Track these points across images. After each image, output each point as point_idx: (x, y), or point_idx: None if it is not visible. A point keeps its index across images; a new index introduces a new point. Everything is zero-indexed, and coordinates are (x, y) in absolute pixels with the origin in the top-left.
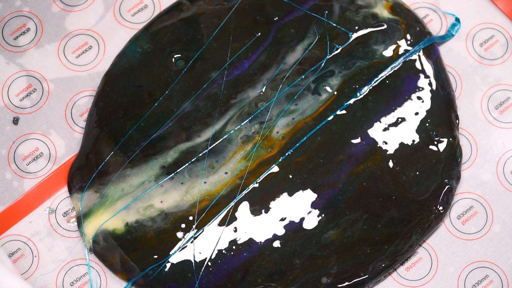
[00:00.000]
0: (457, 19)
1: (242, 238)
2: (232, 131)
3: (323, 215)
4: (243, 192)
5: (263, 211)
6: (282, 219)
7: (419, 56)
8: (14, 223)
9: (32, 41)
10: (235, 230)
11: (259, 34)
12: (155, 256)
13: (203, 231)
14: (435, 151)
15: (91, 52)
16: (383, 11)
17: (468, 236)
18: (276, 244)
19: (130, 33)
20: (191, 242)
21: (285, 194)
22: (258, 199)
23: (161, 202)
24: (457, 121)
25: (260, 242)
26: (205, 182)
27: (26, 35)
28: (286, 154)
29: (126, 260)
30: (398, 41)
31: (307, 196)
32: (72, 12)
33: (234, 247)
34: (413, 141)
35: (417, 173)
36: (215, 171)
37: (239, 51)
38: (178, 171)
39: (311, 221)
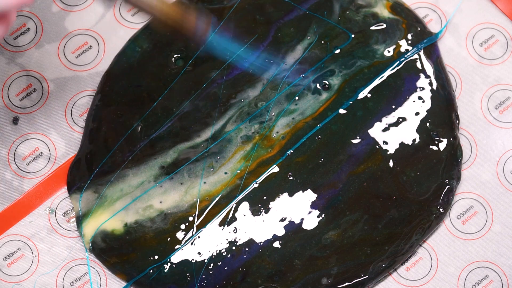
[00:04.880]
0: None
1: (242, 239)
2: (231, 131)
3: (323, 216)
4: (244, 192)
5: (263, 211)
6: (282, 220)
7: (419, 55)
8: (14, 223)
9: (32, 41)
10: (235, 231)
11: (257, 35)
12: (155, 257)
13: (202, 231)
14: (435, 151)
15: (91, 52)
16: (383, 11)
17: (468, 236)
18: (276, 244)
19: (130, 33)
20: (191, 243)
21: (285, 194)
22: (258, 199)
23: (161, 202)
24: (458, 121)
25: (260, 242)
26: (204, 182)
27: (26, 35)
28: (286, 154)
29: (126, 260)
30: (398, 41)
31: (307, 196)
32: (72, 12)
33: (234, 248)
34: (414, 141)
35: (418, 173)
36: (214, 171)
37: (239, 51)
38: (177, 171)
39: (311, 221)
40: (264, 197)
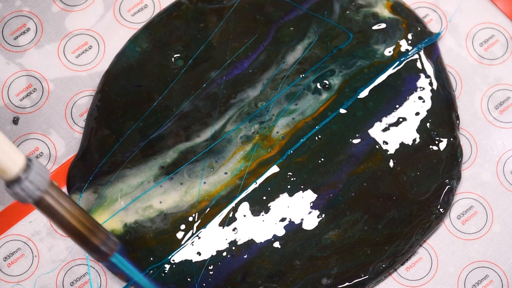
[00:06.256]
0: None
1: (242, 239)
2: (231, 131)
3: (323, 216)
4: (244, 193)
5: (263, 211)
6: (282, 220)
7: (419, 55)
8: (14, 223)
9: (32, 41)
10: (235, 231)
11: (257, 35)
12: (155, 257)
13: (202, 232)
14: (435, 151)
15: (91, 52)
16: (383, 11)
17: (468, 236)
18: (276, 245)
19: (130, 33)
20: (191, 243)
21: (285, 194)
22: (258, 199)
23: (160, 202)
24: (458, 121)
25: (260, 243)
26: (204, 183)
27: (26, 35)
28: (286, 154)
29: None
30: (399, 41)
31: (307, 196)
32: (72, 12)
33: (234, 248)
34: (414, 141)
35: (418, 173)
36: (214, 171)
37: (239, 51)
38: (177, 171)
39: (312, 221)
40: (264, 197)
